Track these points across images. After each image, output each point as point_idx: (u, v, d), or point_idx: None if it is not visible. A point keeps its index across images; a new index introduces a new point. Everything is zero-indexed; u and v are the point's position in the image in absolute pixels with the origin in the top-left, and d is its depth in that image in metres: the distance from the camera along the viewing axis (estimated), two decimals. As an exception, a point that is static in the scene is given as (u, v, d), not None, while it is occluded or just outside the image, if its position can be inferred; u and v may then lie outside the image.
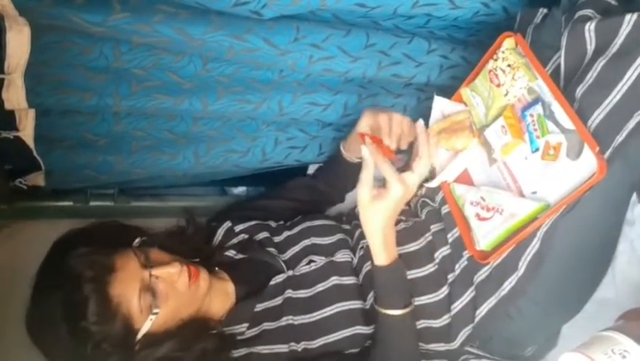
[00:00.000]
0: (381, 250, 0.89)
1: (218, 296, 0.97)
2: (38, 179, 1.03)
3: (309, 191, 1.17)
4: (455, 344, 0.93)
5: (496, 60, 0.89)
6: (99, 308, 0.82)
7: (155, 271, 0.87)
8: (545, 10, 0.91)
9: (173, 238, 1.03)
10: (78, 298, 0.82)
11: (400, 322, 0.90)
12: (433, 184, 0.98)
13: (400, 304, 0.90)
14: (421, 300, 0.94)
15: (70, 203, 1.12)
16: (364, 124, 0.98)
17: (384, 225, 0.88)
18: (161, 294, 0.87)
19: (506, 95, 0.87)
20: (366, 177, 0.87)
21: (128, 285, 0.85)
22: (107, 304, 0.83)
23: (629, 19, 0.75)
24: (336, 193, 1.19)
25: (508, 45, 0.88)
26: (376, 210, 0.87)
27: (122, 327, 0.84)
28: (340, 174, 1.14)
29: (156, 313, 0.86)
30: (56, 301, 0.84)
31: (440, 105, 0.98)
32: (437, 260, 0.96)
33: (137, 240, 0.93)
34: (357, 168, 1.12)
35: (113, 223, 1.00)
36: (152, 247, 0.93)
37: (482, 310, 0.90)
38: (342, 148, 1.09)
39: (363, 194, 0.87)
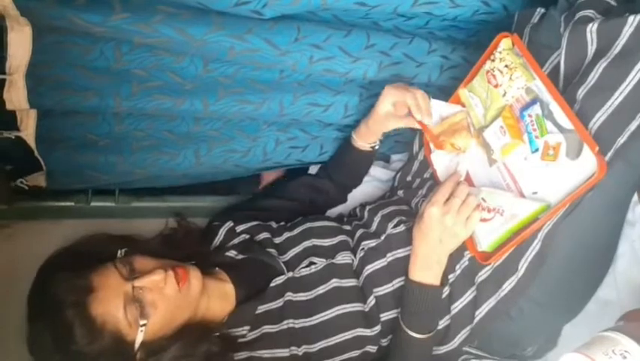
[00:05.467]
0: (437, 270, 0.90)
1: (217, 298, 0.96)
2: (39, 179, 1.03)
3: (312, 190, 1.16)
4: (453, 345, 0.94)
5: (493, 61, 0.88)
6: (85, 331, 0.82)
7: (138, 282, 0.86)
8: (543, 10, 0.91)
9: (164, 243, 1.03)
10: (63, 324, 0.82)
11: (421, 344, 0.91)
12: None
13: (426, 330, 0.91)
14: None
15: (72, 203, 1.11)
16: (387, 103, 0.96)
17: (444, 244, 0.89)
18: (147, 304, 0.86)
19: (504, 95, 0.87)
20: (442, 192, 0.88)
21: (110, 302, 0.84)
22: (92, 325, 0.82)
23: (632, 20, 0.75)
24: (340, 191, 1.18)
25: (505, 45, 0.88)
26: (444, 227, 0.87)
27: (113, 343, 0.83)
28: (348, 166, 1.13)
29: (145, 325, 0.85)
30: (44, 330, 0.84)
31: (437, 108, 0.97)
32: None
33: (120, 251, 0.91)
34: (366, 157, 1.10)
35: (100, 237, 0.98)
36: (136, 255, 0.91)
37: (482, 310, 0.90)
38: (353, 135, 1.07)
39: (435, 210, 0.87)
